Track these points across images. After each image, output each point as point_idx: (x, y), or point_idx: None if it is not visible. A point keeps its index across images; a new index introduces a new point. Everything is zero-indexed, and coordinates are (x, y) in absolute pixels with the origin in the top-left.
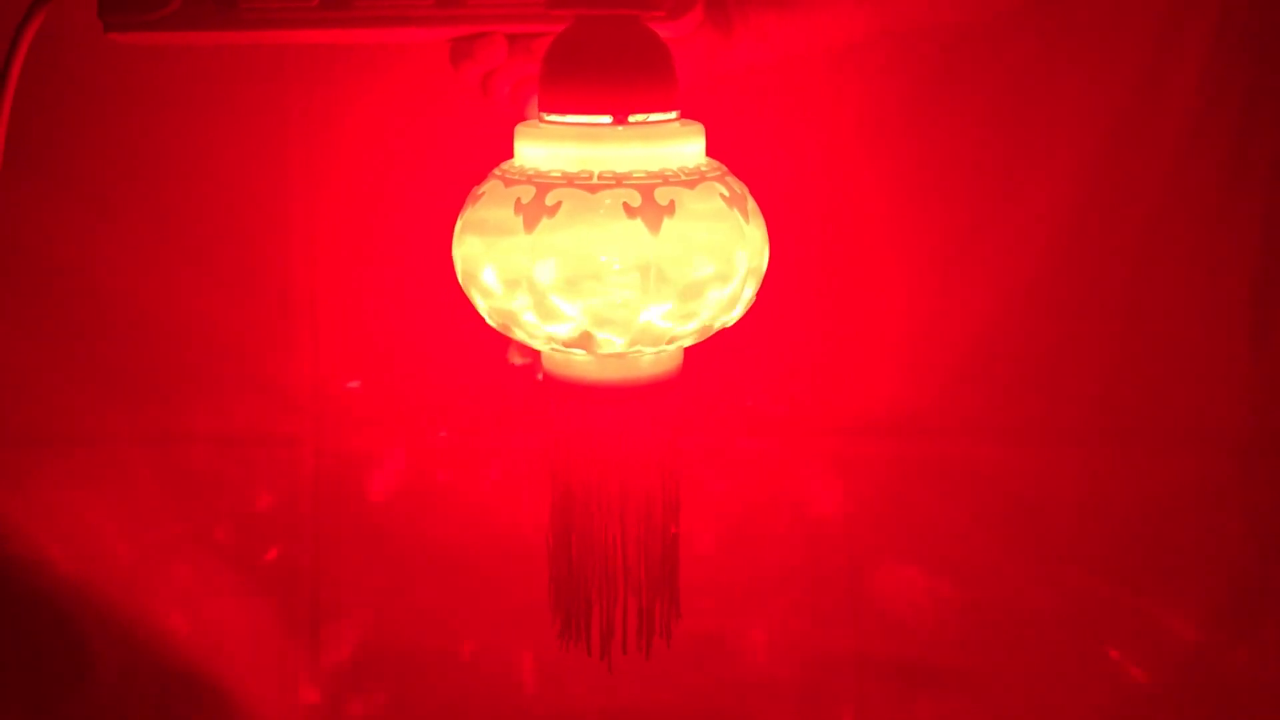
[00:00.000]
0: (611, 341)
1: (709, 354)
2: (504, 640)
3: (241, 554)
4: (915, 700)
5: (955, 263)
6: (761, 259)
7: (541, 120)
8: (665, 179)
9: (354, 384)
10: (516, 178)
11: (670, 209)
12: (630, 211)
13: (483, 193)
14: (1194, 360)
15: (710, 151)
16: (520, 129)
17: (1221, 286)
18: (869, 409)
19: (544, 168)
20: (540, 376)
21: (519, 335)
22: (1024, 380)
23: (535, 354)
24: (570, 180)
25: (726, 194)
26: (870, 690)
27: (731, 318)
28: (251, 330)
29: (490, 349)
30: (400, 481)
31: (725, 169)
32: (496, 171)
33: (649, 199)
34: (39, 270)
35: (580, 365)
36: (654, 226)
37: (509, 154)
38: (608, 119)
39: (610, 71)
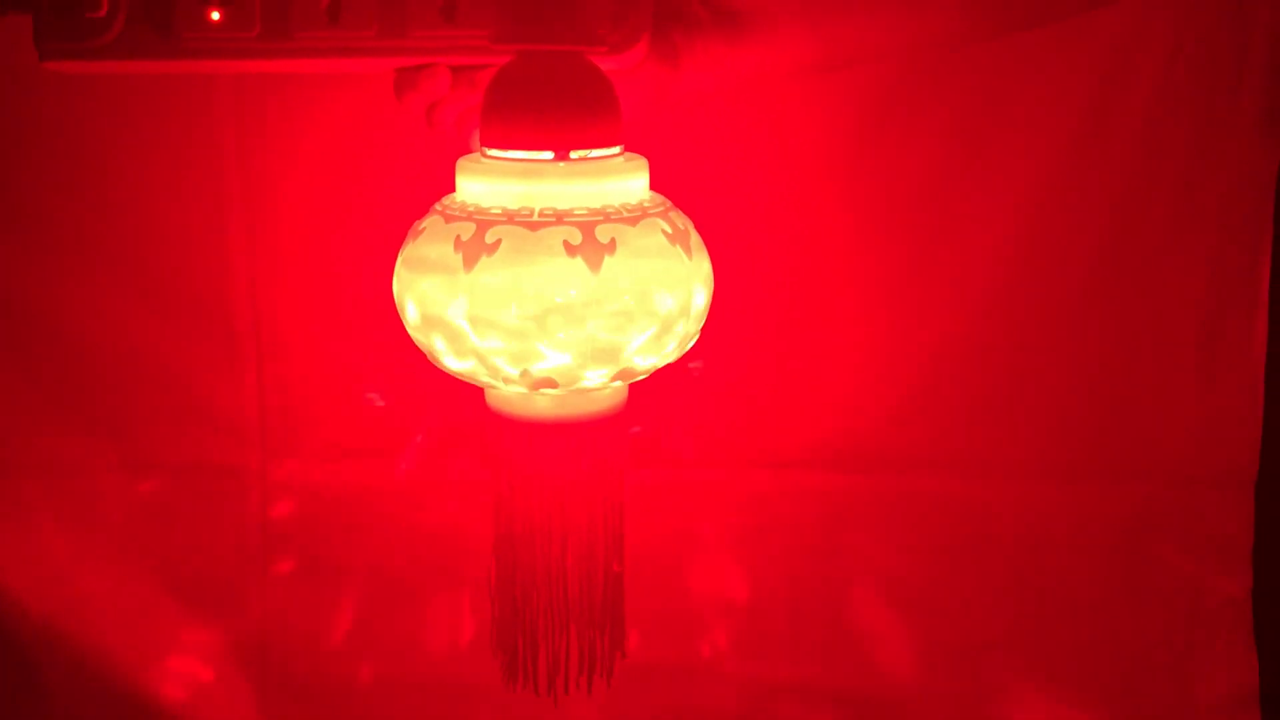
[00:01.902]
0: (554, 379)
1: (654, 387)
2: (453, 671)
3: (190, 584)
4: None
5: (900, 297)
6: (705, 295)
7: (483, 155)
8: (606, 216)
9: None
10: (457, 214)
11: (611, 247)
12: (570, 250)
13: (423, 228)
14: (1140, 395)
15: (656, 184)
16: (461, 163)
17: (1169, 321)
18: (813, 442)
19: (485, 204)
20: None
21: (483, 378)
22: (969, 414)
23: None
24: (511, 217)
25: (669, 230)
26: None
27: (674, 354)
28: (196, 361)
29: (437, 378)
30: (348, 511)
31: (669, 204)
32: (438, 206)
33: (589, 237)
34: None
35: (523, 401)
36: (594, 265)
37: (454, 186)
38: (549, 155)
39: (552, 107)
